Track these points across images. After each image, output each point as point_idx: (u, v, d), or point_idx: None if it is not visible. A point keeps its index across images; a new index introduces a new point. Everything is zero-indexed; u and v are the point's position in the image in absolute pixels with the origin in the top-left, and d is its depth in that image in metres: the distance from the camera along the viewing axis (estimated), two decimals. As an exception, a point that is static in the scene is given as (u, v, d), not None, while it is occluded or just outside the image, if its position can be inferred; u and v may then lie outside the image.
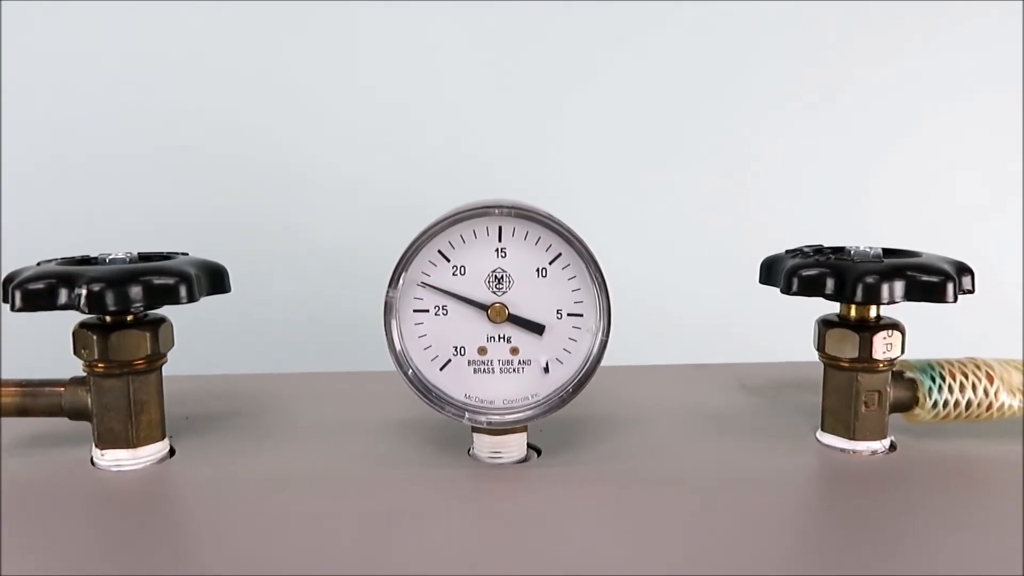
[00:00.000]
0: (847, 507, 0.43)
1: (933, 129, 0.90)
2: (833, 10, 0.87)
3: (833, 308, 0.51)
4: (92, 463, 0.48)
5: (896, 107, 0.89)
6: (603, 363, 0.46)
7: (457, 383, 0.46)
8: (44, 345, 0.59)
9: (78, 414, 0.48)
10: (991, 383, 0.50)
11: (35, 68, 0.82)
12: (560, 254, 0.45)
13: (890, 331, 0.48)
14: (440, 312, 0.45)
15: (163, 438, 0.49)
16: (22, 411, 0.48)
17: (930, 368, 0.50)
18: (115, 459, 0.47)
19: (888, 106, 0.89)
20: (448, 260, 0.45)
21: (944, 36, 0.88)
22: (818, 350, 0.51)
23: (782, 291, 0.49)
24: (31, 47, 0.82)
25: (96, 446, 0.48)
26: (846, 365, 0.49)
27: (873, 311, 0.49)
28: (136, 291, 0.44)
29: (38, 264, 0.48)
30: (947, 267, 0.47)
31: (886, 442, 0.50)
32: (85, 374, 0.47)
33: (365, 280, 0.58)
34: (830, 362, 0.50)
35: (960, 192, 0.90)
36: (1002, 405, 0.50)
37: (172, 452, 0.50)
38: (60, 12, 0.81)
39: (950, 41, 0.88)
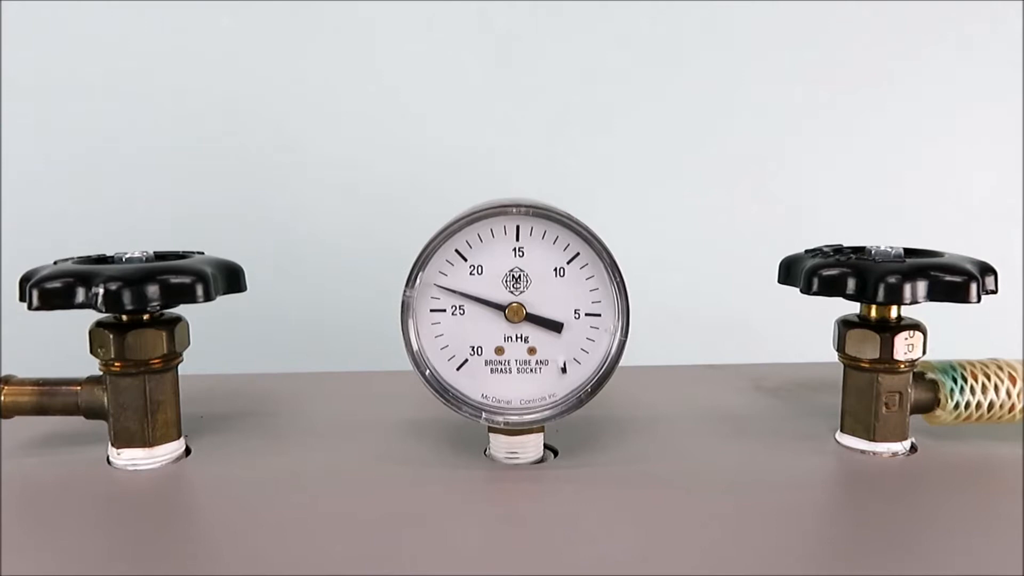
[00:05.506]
0: (867, 509, 0.42)
1: (954, 130, 0.89)
2: (854, 12, 0.86)
3: (851, 308, 0.50)
4: (108, 462, 0.48)
5: (917, 108, 0.88)
6: (620, 363, 0.45)
7: (474, 383, 0.46)
8: (59, 344, 0.59)
9: (94, 413, 0.48)
10: (1014, 384, 0.49)
11: (48, 65, 0.82)
12: (578, 253, 0.45)
13: (911, 332, 0.48)
14: (457, 312, 0.45)
15: (179, 437, 0.49)
16: (39, 410, 0.49)
17: (952, 369, 0.50)
18: (131, 458, 0.47)
19: (909, 107, 0.88)
20: (465, 259, 0.45)
21: (963, 38, 0.87)
22: (837, 351, 0.50)
23: (802, 291, 0.48)
24: (41, 45, 0.82)
25: (112, 445, 0.48)
26: (866, 366, 0.48)
27: (894, 311, 0.49)
28: (153, 290, 0.44)
29: (55, 263, 0.48)
30: (970, 267, 0.46)
31: (907, 444, 0.49)
32: (101, 373, 0.47)
33: (382, 280, 0.58)
34: (850, 363, 0.49)
35: (981, 193, 0.90)
36: (1025, 407, 0.49)
37: (188, 451, 0.50)
38: (77, 9, 0.81)
39: (969, 43, 0.87)
